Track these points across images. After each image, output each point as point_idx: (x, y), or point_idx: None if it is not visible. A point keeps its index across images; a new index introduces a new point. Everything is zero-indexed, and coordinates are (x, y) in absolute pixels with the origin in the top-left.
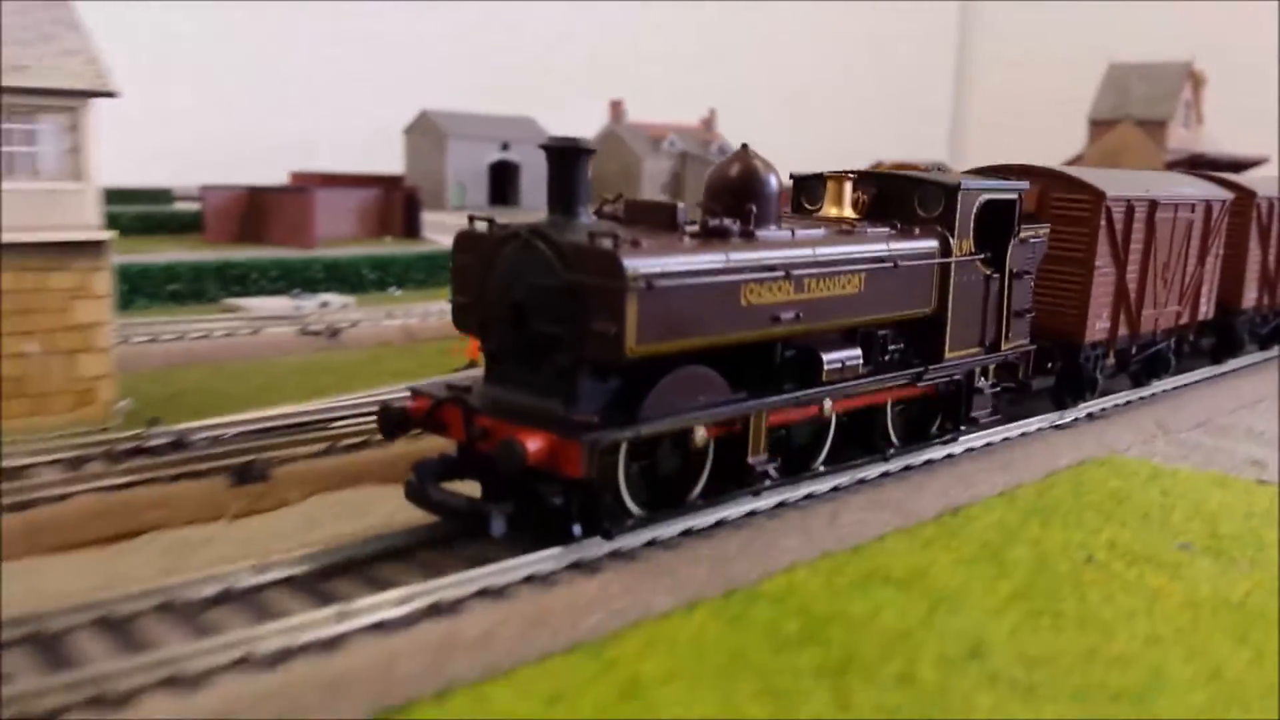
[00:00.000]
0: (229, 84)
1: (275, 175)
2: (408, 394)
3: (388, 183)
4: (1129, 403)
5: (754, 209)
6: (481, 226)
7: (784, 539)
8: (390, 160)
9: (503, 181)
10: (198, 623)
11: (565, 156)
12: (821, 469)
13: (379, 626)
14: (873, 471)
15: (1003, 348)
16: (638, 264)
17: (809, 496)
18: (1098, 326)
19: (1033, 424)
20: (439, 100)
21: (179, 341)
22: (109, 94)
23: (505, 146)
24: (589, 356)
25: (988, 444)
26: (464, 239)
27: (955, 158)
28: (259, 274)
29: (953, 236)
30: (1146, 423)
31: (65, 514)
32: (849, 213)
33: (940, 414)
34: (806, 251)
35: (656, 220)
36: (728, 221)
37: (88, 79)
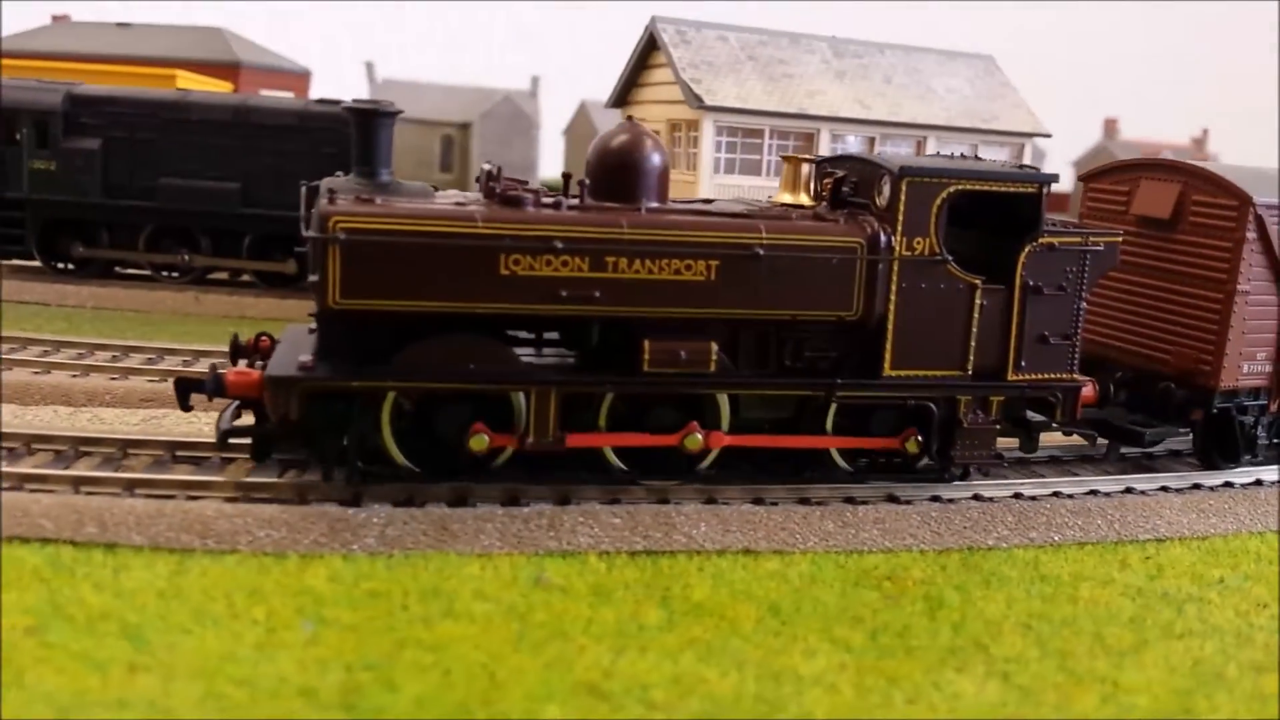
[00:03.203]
0: None
1: None
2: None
3: None
4: None
5: (585, 182)
6: None
7: None
8: None
9: None
10: None
11: (365, 118)
12: (711, 472)
13: None
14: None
15: (1010, 378)
16: (342, 218)
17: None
18: (1246, 369)
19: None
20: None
21: None
22: (1045, 135)
23: None
24: (318, 306)
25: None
26: None
27: None
28: None
29: (894, 231)
30: None
31: None
32: (804, 199)
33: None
34: (612, 229)
35: (489, 190)
36: (531, 191)
37: (1030, 125)
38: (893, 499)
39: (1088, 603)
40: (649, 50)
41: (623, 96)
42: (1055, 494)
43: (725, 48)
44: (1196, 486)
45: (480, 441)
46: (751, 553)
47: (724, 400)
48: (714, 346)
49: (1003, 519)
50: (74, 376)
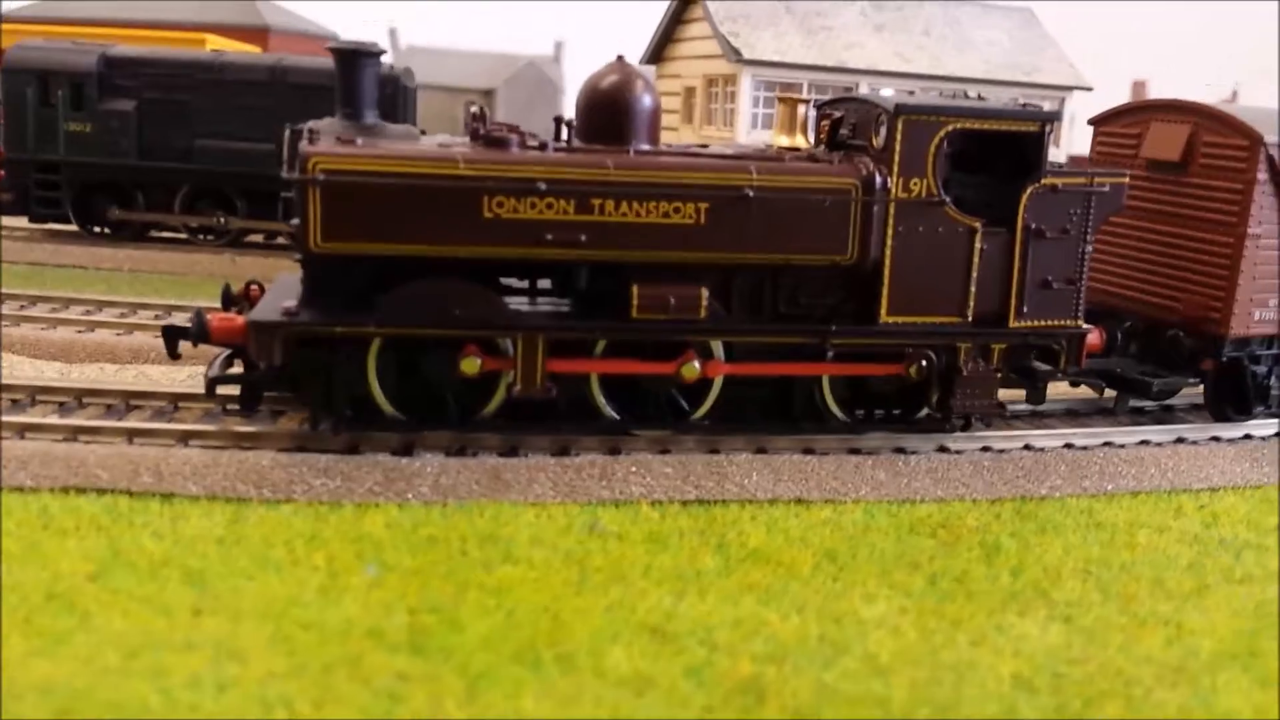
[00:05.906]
0: None
1: None
2: None
3: None
4: None
5: (572, 123)
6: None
7: None
8: None
9: None
10: None
11: (347, 59)
12: (705, 422)
13: None
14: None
15: (1012, 324)
16: (322, 159)
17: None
18: (1257, 316)
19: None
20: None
21: None
22: (1086, 88)
23: None
24: (300, 250)
25: None
26: None
27: None
28: None
29: (890, 172)
30: None
31: None
32: (800, 141)
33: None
34: (597, 170)
35: (474, 132)
36: (516, 134)
37: (1071, 78)
38: (900, 450)
39: (1145, 549)
40: (685, 4)
41: (658, 53)
42: (1107, 444)
43: (762, 0)
44: (1215, 439)
45: (471, 364)
46: (804, 502)
47: (718, 348)
48: (704, 292)
49: (1055, 468)
50: (118, 335)
